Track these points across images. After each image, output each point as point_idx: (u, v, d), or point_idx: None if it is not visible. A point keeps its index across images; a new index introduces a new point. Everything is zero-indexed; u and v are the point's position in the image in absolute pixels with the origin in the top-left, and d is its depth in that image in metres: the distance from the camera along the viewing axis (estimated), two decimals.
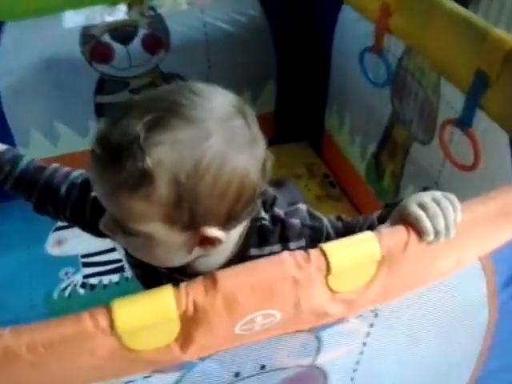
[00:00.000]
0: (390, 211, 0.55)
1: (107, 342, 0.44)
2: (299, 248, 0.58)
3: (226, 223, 0.52)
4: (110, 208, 0.51)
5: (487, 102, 0.82)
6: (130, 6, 1.51)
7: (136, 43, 1.32)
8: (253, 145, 0.51)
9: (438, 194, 0.51)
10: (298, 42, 1.44)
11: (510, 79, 0.77)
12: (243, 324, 0.47)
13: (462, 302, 0.67)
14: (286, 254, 0.48)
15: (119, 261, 1.31)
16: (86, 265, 1.30)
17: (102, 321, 0.43)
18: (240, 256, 0.59)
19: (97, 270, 1.29)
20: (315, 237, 0.60)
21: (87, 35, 1.28)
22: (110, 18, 1.47)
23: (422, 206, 0.50)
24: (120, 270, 1.29)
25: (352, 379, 0.71)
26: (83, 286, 1.25)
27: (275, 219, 0.61)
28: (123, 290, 1.24)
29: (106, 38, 1.30)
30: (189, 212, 0.49)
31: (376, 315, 0.61)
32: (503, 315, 0.72)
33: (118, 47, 1.31)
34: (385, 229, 0.50)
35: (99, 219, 0.65)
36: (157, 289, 0.45)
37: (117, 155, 0.46)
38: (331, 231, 0.61)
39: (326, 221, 0.62)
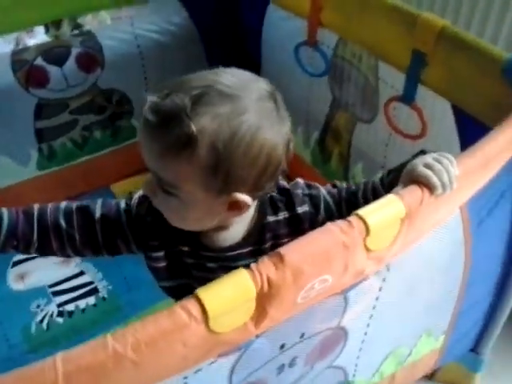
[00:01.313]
0: (396, 176, 0.64)
1: (198, 329, 0.48)
2: (304, 212, 0.69)
3: (253, 191, 0.60)
4: (157, 168, 0.58)
5: (427, 77, 0.94)
6: (48, 27, 1.48)
7: (70, 63, 1.30)
8: (281, 124, 0.59)
9: (435, 155, 0.61)
10: (227, 44, 1.50)
11: (445, 54, 0.89)
12: (304, 292, 0.53)
13: (446, 248, 0.79)
14: (329, 224, 0.55)
15: (90, 283, 1.30)
16: (56, 294, 1.27)
17: (194, 310, 0.47)
18: (259, 224, 0.67)
19: (70, 297, 1.26)
20: (315, 203, 0.69)
21: (19, 61, 1.25)
22: (32, 41, 1.44)
23: (428, 166, 0.59)
24: (94, 291, 1.27)
25: (365, 334, 0.80)
26: (60, 314, 1.22)
27: (281, 190, 0.69)
28: (102, 310, 1.23)
29: (39, 61, 1.27)
30: (223, 177, 0.57)
31: (388, 269, 0.69)
32: (474, 257, 0.84)
33: (52, 69, 1.28)
34: (401, 190, 0.59)
35: (111, 237, 0.68)
36: (232, 273, 0.49)
37: (167, 121, 0.55)
38: (328, 198, 0.70)
39: (322, 189, 0.71)
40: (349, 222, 0.54)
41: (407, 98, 1.00)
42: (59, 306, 1.24)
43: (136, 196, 0.72)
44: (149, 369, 0.47)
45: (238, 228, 0.66)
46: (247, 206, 0.60)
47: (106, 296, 1.26)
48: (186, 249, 0.68)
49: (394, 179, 0.65)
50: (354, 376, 0.87)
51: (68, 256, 0.71)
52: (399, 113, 1.06)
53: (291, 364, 0.71)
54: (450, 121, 0.93)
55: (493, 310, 1.02)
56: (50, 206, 0.70)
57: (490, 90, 0.82)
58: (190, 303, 0.47)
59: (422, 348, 0.96)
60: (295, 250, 0.51)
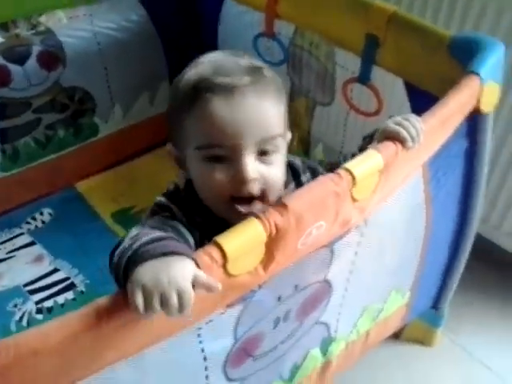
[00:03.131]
0: (371, 139, 0.73)
1: (218, 272, 0.54)
2: (308, 180, 0.75)
3: None
4: (268, 127, 0.64)
5: (380, 58, 1.04)
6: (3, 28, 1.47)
7: (32, 62, 1.31)
8: None
9: (402, 115, 0.70)
10: (185, 39, 1.55)
11: (396, 37, 0.99)
12: (304, 238, 0.60)
13: (410, 208, 0.88)
14: (321, 177, 0.62)
15: (66, 279, 1.31)
16: (32, 292, 1.27)
17: (215, 253, 0.52)
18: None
19: (47, 294, 1.27)
20: (313, 172, 0.77)
21: None
22: None
23: (397, 123, 0.68)
24: (71, 286, 1.28)
25: (346, 290, 0.88)
26: (39, 311, 1.23)
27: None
28: (82, 303, 1.22)
29: (0, 60, 1.27)
30: (287, 116, 0.69)
31: (366, 224, 0.78)
32: (433, 216, 0.94)
33: (14, 68, 1.29)
34: (378, 145, 0.67)
35: None
36: (244, 222, 0.56)
37: (261, 76, 0.64)
38: (321, 169, 0.78)
39: (315, 162, 0.80)
40: (338, 174, 0.62)
41: (363, 78, 1.09)
42: (37, 303, 1.25)
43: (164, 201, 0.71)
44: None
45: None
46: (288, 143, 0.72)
47: (84, 290, 1.28)
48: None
49: (369, 142, 0.73)
50: (336, 332, 0.95)
51: None
52: (356, 93, 1.15)
53: (285, 318, 0.78)
54: (403, 96, 1.04)
55: (449, 268, 1.14)
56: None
57: (438, 65, 0.92)
58: (210, 248, 0.53)
59: (391, 304, 1.06)
60: (296, 199, 0.58)
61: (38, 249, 1.38)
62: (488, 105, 0.83)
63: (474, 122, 0.85)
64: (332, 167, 0.77)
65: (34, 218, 1.45)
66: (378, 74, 1.07)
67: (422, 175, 0.84)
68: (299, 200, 0.58)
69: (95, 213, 1.48)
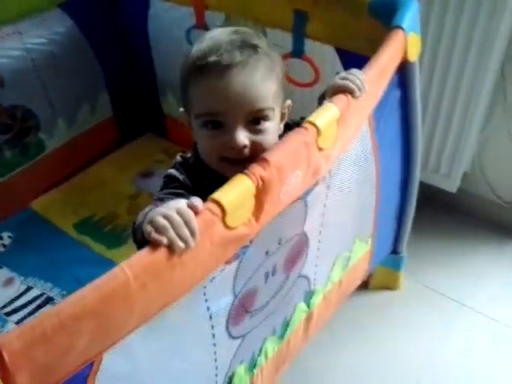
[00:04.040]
0: (324, 96, 0.81)
1: (218, 226, 0.59)
2: None
3: None
4: (257, 99, 0.70)
5: (310, 30, 1.13)
6: None
7: None
8: None
9: (346, 71, 0.79)
10: (116, 45, 1.58)
11: (322, 9, 1.09)
12: (285, 188, 0.67)
13: (363, 157, 0.98)
14: (291, 132, 0.69)
15: (42, 295, 1.31)
16: (9, 314, 1.26)
17: (215, 208, 0.58)
18: None
19: (25, 313, 1.27)
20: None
21: None
22: None
23: (344, 78, 0.77)
24: (48, 300, 1.29)
25: (319, 241, 0.96)
26: None
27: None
28: None
29: None
30: (283, 87, 0.76)
31: (330, 175, 0.86)
32: (380, 161, 1.05)
33: None
34: (331, 99, 0.75)
35: None
36: (233, 178, 0.62)
37: (254, 53, 0.71)
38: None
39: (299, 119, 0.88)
40: (304, 127, 0.69)
41: (297, 52, 1.18)
42: (17, 323, 1.24)
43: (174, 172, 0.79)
44: (189, 270, 0.58)
45: None
46: (289, 110, 0.80)
47: None
48: None
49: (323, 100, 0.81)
50: (315, 285, 1.04)
51: None
52: (293, 67, 1.24)
53: (273, 271, 0.85)
54: (336, 62, 1.13)
55: (402, 213, 1.25)
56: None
57: (364, 27, 1.03)
58: (209, 205, 0.59)
59: (357, 252, 1.16)
60: (274, 153, 0.65)
61: (5, 272, 1.37)
62: (413, 54, 0.94)
63: (403, 71, 0.96)
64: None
65: None
66: (310, 46, 1.16)
67: (368, 126, 0.94)
68: (277, 153, 0.65)
69: (57, 228, 1.49)
